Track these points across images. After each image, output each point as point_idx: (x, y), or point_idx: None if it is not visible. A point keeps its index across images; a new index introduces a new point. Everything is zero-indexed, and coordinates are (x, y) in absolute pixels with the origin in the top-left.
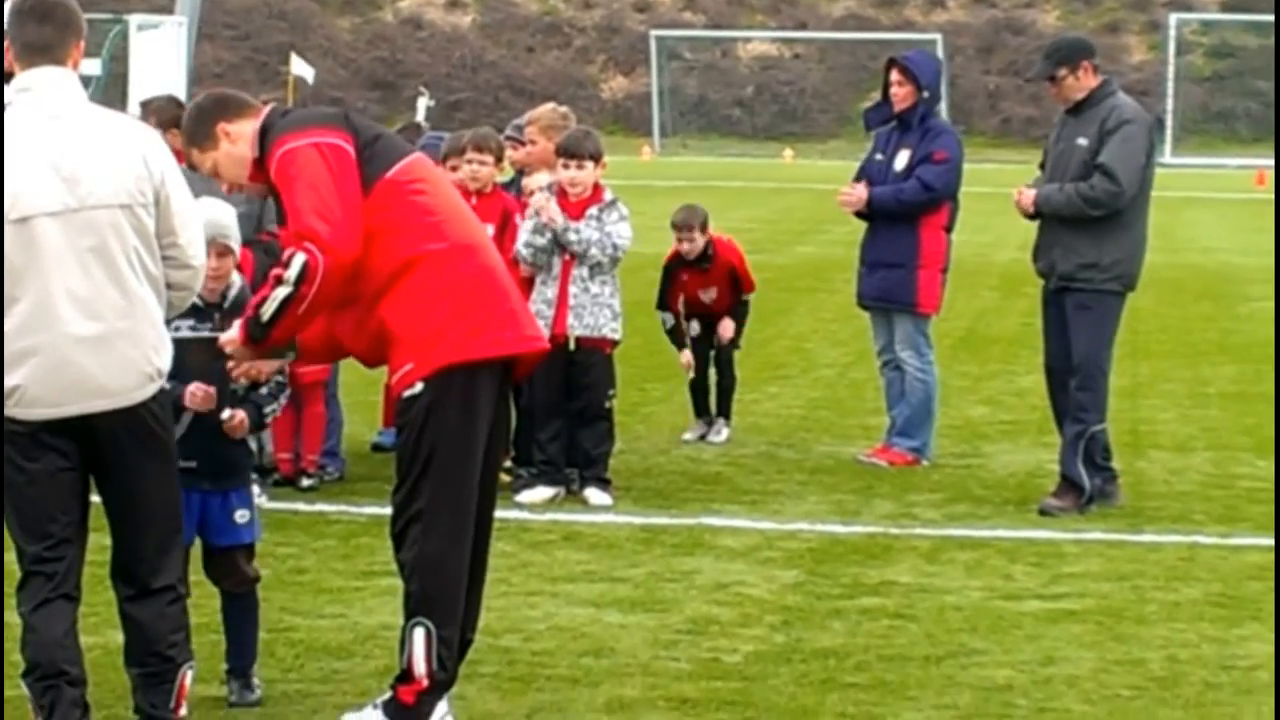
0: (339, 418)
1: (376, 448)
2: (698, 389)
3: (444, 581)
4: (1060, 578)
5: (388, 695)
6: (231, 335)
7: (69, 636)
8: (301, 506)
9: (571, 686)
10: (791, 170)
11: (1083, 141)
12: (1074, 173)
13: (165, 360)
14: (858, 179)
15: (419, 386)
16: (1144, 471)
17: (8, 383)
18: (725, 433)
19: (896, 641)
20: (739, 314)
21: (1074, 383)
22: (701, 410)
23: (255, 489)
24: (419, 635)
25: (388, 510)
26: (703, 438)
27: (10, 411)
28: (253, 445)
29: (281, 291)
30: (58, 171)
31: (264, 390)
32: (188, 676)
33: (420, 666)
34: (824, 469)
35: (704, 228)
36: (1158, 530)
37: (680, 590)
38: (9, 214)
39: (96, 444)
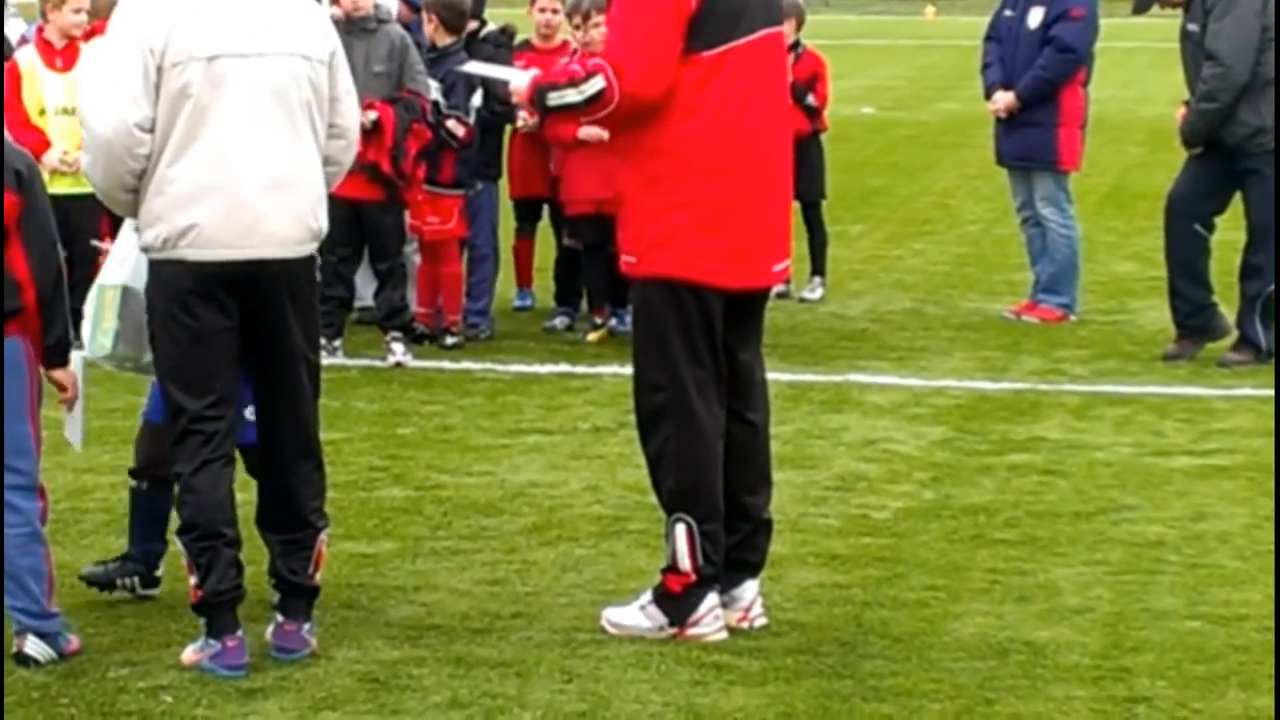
0: (491, 277)
1: (519, 309)
2: None
3: (699, 475)
4: (1210, 434)
5: (656, 584)
6: (521, 85)
7: (227, 499)
8: (447, 364)
9: None
10: (933, 27)
11: (1192, 28)
12: (1191, 69)
13: (324, 222)
14: (989, 38)
15: (640, 279)
16: None
17: (183, 221)
18: (820, 291)
19: (1046, 498)
20: (815, 155)
21: (1250, 244)
22: None
23: (399, 347)
24: (680, 531)
25: (534, 368)
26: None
27: (181, 253)
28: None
29: (571, 97)
30: (247, 17)
31: None
32: (325, 542)
33: (685, 562)
34: (970, 325)
35: (799, 23)
36: None
37: (828, 447)
38: (198, 52)
39: (258, 297)
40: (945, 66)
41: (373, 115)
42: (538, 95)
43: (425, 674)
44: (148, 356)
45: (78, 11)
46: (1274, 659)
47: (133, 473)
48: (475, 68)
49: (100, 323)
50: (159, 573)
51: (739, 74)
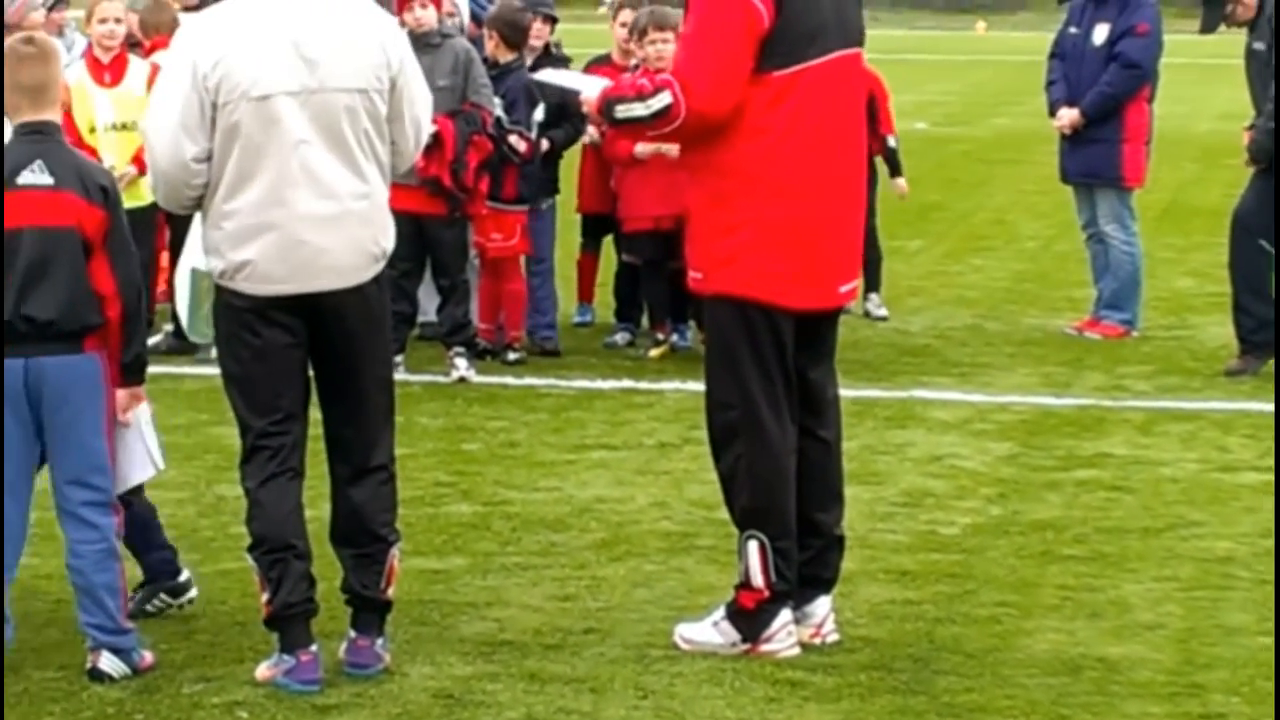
0: (554, 294)
1: (580, 325)
2: None
3: (771, 492)
4: (1275, 449)
5: (729, 600)
6: (591, 96)
7: (295, 512)
8: (510, 380)
9: None
10: (984, 42)
11: (1259, 46)
12: (1258, 87)
13: (390, 241)
14: (1053, 55)
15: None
16: None
17: (239, 257)
18: (884, 308)
19: (1114, 514)
20: (894, 164)
21: None
22: None
23: (462, 363)
24: (753, 548)
25: (597, 384)
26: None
27: (239, 285)
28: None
29: (638, 111)
30: (299, 52)
31: None
32: (397, 556)
33: (758, 579)
34: (1032, 341)
35: None
36: None
37: (894, 463)
38: (250, 91)
39: (321, 322)
40: (997, 82)
41: (433, 129)
42: (606, 107)
43: (499, 690)
44: None
45: (104, 22)
46: None
47: None
48: (549, 75)
49: (199, 309)
50: (184, 577)
51: (812, 95)
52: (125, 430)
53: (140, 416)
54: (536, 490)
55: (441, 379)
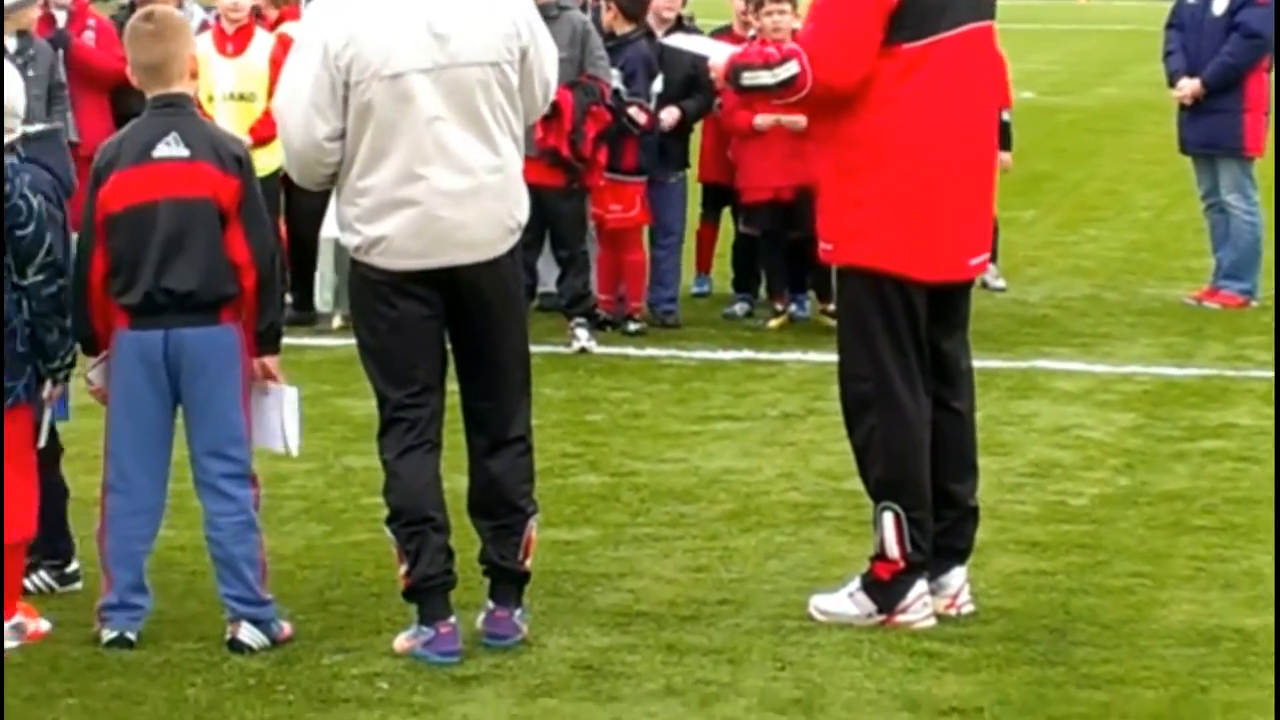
0: (678, 268)
1: (698, 295)
2: None
3: (905, 464)
4: None
5: (864, 571)
6: (718, 62)
7: (433, 484)
8: (631, 351)
9: None
10: (1086, 11)
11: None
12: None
13: (524, 213)
14: (1170, 25)
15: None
16: None
17: (374, 233)
18: (1002, 279)
19: (1242, 484)
20: (1004, 138)
21: None
22: None
23: (583, 333)
24: (888, 519)
25: (718, 354)
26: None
27: (374, 260)
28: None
29: (764, 79)
30: (430, 28)
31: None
32: (534, 528)
33: (893, 550)
34: (1152, 311)
35: None
36: None
37: (1020, 433)
38: (381, 70)
39: (458, 295)
40: (1101, 51)
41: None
42: (732, 73)
43: (638, 661)
44: None
45: None
46: None
47: None
48: (679, 40)
49: (326, 275)
50: (72, 568)
51: (942, 67)
52: (264, 399)
53: (284, 397)
54: (663, 461)
55: (563, 350)
